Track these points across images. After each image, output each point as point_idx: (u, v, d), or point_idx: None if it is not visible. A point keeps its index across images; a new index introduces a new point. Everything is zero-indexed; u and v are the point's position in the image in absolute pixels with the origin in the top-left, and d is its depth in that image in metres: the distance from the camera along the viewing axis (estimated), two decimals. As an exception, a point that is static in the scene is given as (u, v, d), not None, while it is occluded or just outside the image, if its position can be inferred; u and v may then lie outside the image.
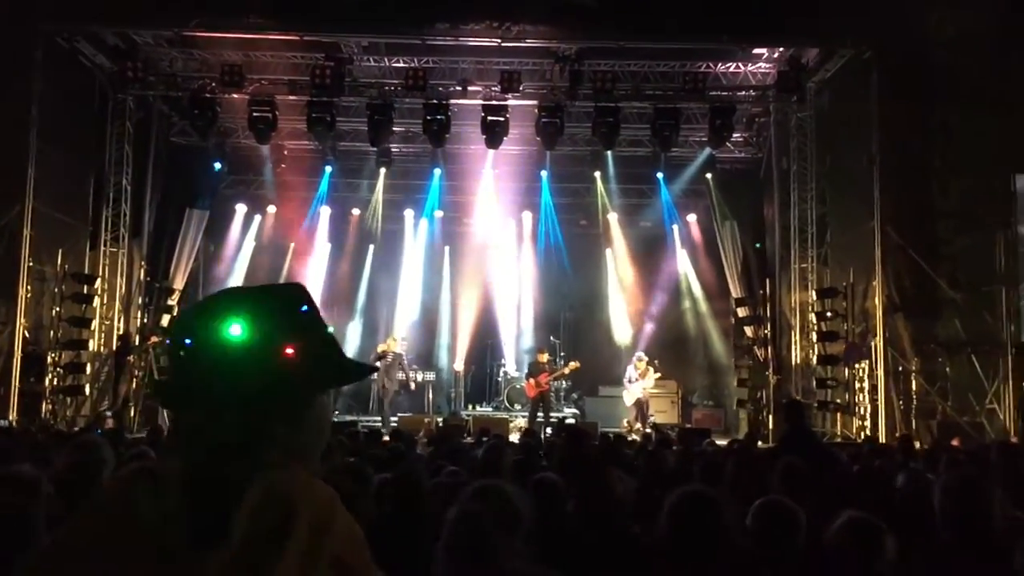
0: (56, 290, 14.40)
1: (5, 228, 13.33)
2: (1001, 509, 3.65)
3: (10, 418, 12.81)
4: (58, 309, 14.40)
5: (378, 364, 16.33)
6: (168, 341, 1.60)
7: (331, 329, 1.68)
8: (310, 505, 1.45)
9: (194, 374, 1.51)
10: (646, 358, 16.81)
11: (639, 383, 16.41)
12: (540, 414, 16.17)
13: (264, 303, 1.58)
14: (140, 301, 16.20)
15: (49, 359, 14.22)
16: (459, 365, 18.87)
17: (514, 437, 13.23)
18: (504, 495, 3.25)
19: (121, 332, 15.68)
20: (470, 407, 18.41)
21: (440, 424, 14.47)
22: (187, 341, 1.53)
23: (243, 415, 1.49)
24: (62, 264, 14.37)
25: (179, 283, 16.89)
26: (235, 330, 1.51)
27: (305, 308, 1.61)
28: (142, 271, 16.26)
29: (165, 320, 16.12)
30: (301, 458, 1.55)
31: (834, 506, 3.46)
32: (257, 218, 19.27)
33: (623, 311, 19.88)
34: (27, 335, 13.75)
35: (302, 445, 1.56)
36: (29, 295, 13.78)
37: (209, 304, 1.59)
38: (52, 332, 14.40)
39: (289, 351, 1.53)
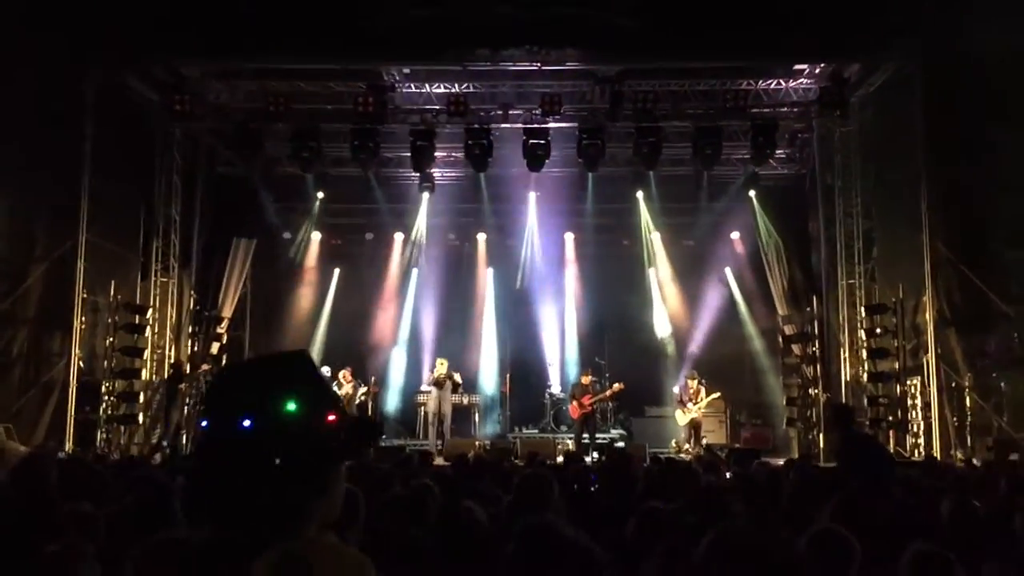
0: (109, 320, 14.69)
1: (59, 260, 13.64)
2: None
3: (67, 447, 13.06)
4: (111, 339, 14.69)
5: (432, 389, 16.53)
6: (205, 424, 1.61)
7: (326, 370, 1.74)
8: (333, 571, 1.46)
9: (254, 451, 1.53)
10: (697, 377, 16.68)
11: (694, 404, 16.24)
12: (586, 435, 16.11)
13: (299, 374, 1.62)
14: (190, 330, 16.52)
15: (103, 388, 14.49)
16: (504, 387, 18.88)
17: (561, 459, 13.22)
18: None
19: (173, 361, 15.95)
20: (516, 429, 18.40)
21: (487, 448, 14.48)
22: (245, 423, 1.54)
23: (289, 486, 1.52)
24: (115, 295, 14.67)
25: (228, 311, 17.19)
26: (291, 406, 1.55)
27: (319, 374, 1.66)
28: (192, 300, 16.57)
29: (215, 348, 16.37)
30: (332, 509, 1.58)
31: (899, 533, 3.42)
32: (303, 245, 19.48)
33: (668, 330, 19.78)
34: (81, 365, 14.02)
35: (329, 510, 1.60)
36: (83, 326, 14.06)
37: (252, 381, 1.62)
38: (106, 362, 14.68)
39: (332, 418, 1.59)
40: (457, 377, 17.20)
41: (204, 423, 1.61)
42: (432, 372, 17.16)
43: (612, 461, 8.11)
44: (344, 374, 17.08)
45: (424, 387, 18.16)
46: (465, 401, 17.79)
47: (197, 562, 1.53)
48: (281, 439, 1.53)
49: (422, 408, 18.14)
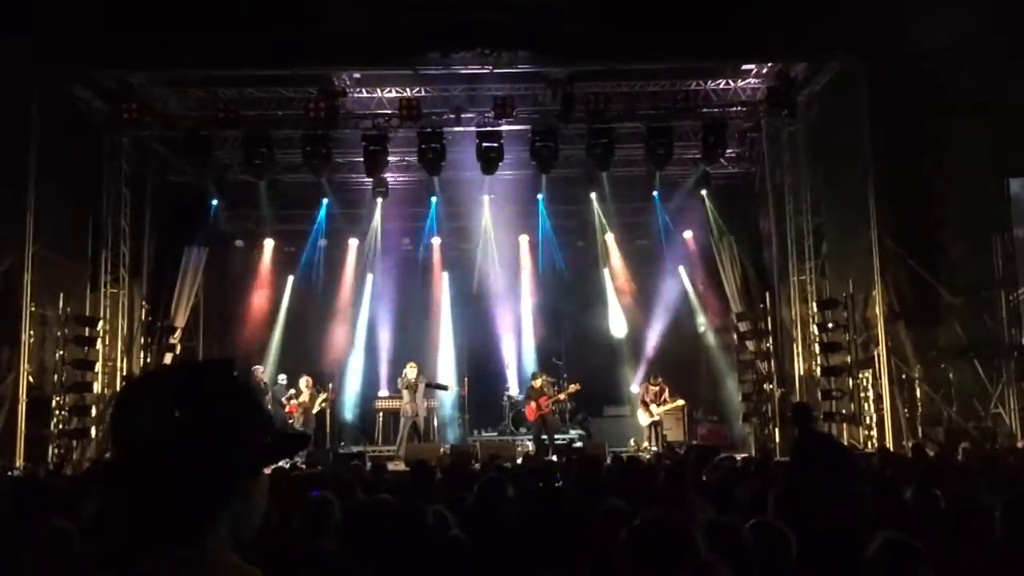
0: (59, 333, 14.42)
1: (5, 273, 13.36)
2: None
3: (16, 464, 12.79)
4: (61, 352, 14.42)
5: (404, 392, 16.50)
6: (114, 430, 1.59)
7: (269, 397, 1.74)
8: None
9: (148, 457, 1.52)
10: (660, 379, 16.81)
11: (658, 406, 16.35)
12: (544, 436, 16.15)
13: (210, 382, 1.61)
14: (143, 341, 16.23)
15: (53, 402, 14.21)
16: (463, 390, 18.85)
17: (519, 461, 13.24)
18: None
19: (125, 373, 15.68)
20: (476, 432, 18.39)
21: (447, 452, 14.45)
22: (144, 431, 1.53)
23: (198, 494, 1.51)
24: (64, 307, 14.40)
25: (181, 321, 16.95)
26: (193, 415, 1.53)
27: (242, 384, 1.65)
28: (144, 311, 16.30)
29: (168, 359, 16.13)
30: (244, 527, 1.58)
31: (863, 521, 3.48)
32: (256, 253, 19.27)
33: (624, 331, 19.90)
34: (31, 380, 13.74)
35: (247, 515, 1.59)
36: (32, 339, 13.78)
37: (152, 390, 1.61)
38: (56, 376, 14.40)
39: (242, 429, 1.57)
40: (412, 375, 17.10)
41: (111, 433, 1.61)
42: (402, 376, 17.07)
43: (581, 463, 8.12)
44: (306, 380, 16.94)
45: (383, 392, 18.08)
46: (427, 406, 17.69)
47: (80, 563, 1.53)
48: (182, 449, 1.51)
49: (380, 414, 18.08)
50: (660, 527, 2.82)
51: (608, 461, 10.37)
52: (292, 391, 16.83)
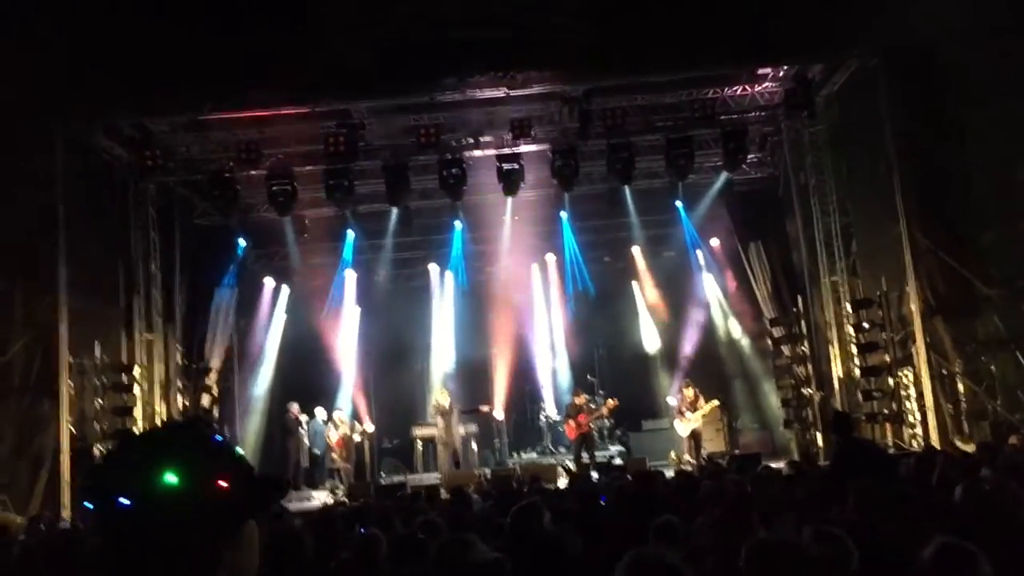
0: (97, 382, 14.56)
1: (41, 326, 13.51)
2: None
3: (63, 517, 12.85)
4: (100, 401, 14.55)
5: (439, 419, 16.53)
6: (89, 504, 1.63)
7: (240, 451, 1.75)
8: None
9: (137, 526, 1.55)
10: (693, 385, 16.69)
11: (693, 413, 16.23)
12: (585, 455, 16.07)
13: (181, 444, 1.63)
14: (180, 384, 16.35)
15: (96, 451, 14.32)
16: (499, 414, 18.81)
17: (562, 482, 13.18)
18: None
19: (165, 417, 15.80)
20: (515, 455, 18.34)
21: (488, 477, 14.40)
22: (123, 501, 1.56)
23: (190, 553, 1.54)
24: (100, 355, 14.54)
25: (216, 363, 17.09)
26: (170, 479, 1.56)
27: (219, 439, 1.70)
28: (179, 354, 16.43)
29: (206, 400, 16.25)
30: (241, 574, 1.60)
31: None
32: (285, 289, 19.40)
33: (657, 343, 19.82)
34: (72, 430, 13.84)
35: (241, 563, 1.62)
36: (72, 391, 13.91)
37: (129, 458, 1.63)
38: (97, 424, 14.52)
39: (223, 484, 1.60)
40: (446, 401, 17.14)
41: (88, 504, 1.62)
42: (434, 404, 17.11)
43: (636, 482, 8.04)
44: (338, 414, 17.03)
45: (428, 419, 18.14)
46: (463, 431, 17.69)
47: None
48: (163, 513, 1.54)
49: (418, 442, 18.08)
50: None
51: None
52: (328, 426, 16.92)
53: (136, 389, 15.31)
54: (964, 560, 3.00)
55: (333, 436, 16.76)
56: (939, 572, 3.03)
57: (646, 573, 2.66)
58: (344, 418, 17.09)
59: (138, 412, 15.33)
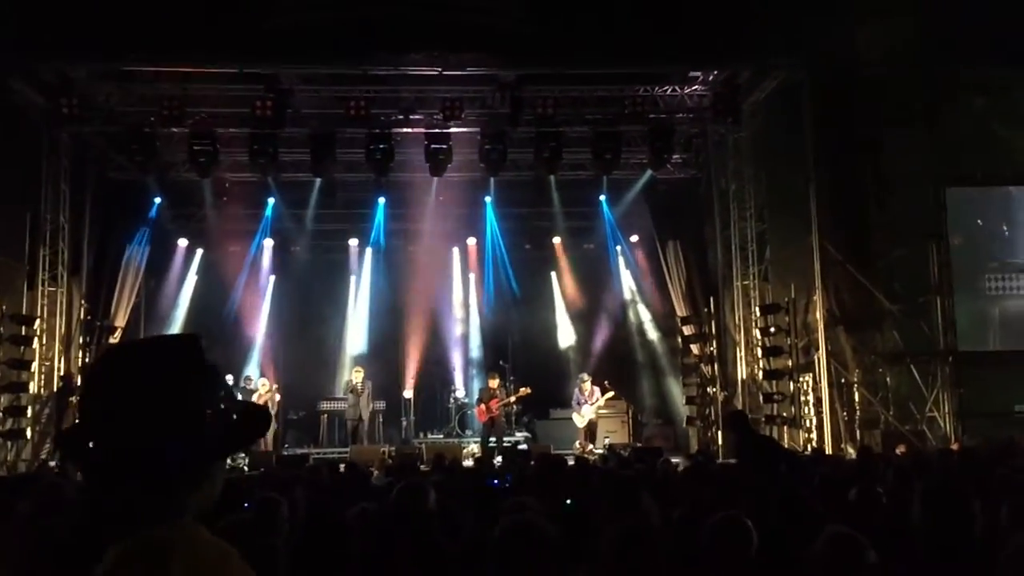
0: (-6, 332, 14.06)
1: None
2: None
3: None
4: (-7, 350, 14.06)
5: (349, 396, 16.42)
6: (80, 399, 1.57)
7: (229, 379, 1.70)
8: (187, 560, 1.45)
9: (113, 432, 1.49)
10: (590, 379, 16.91)
11: (590, 405, 16.49)
12: (492, 439, 16.18)
13: (175, 363, 1.57)
14: (81, 340, 15.86)
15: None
16: (408, 393, 18.79)
17: (467, 463, 13.23)
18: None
19: (63, 373, 15.35)
20: (422, 435, 18.34)
21: (392, 454, 14.39)
22: (112, 406, 1.50)
23: (172, 472, 1.49)
24: (0, 305, 14.04)
25: (121, 321, 16.63)
26: (164, 392, 1.50)
27: (210, 362, 1.62)
28: (82, 310, 15.94)
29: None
30: (207, 502, 1.57)
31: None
32: (199, 252, 18.99)
33: (570, 333, 20.03)
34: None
35: (209, 495, 1.58)
36: (-34, 339, 13.42)
37: (122, 361, 1.58)
38: (-10, 375, 14.04)
39: (209, 411, 1.55)
40: (360, 379, 17.08)
41: (74, 426, 1.56)
42: (349, 380, 17.02)
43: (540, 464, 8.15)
44: (263, 380, 16.86)
45: (339, 395, 17.99)
46: (370, 409, 17.60)
47: (58, 547, 1.52)
48: (148, 435, 1.48)
49: (324, 416, 17.96)
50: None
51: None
52: (253, 386, 16.72)
53: (35, 343, 14.84)
54: (852, 547, 3.16)
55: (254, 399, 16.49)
56: (829, 558, 3.18)
57: (516, 533, 2.80)
58: (265, 383, 16.83)
59: (35, 366, 14.86)
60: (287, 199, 18.39)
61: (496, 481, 7.29)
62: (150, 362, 1.56)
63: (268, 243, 19.21)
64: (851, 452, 12.97)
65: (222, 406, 1.56)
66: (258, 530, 3.86)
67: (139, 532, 1.45)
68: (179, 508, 1.51)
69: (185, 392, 1.52)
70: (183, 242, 18.73)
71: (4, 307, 14.16)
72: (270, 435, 16.44)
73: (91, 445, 1.50)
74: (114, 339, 16.21)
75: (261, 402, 16.28)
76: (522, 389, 17.01)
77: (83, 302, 15.99)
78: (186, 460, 1.51)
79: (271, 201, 18.31)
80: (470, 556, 3.95)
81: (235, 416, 1.59)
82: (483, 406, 16.38)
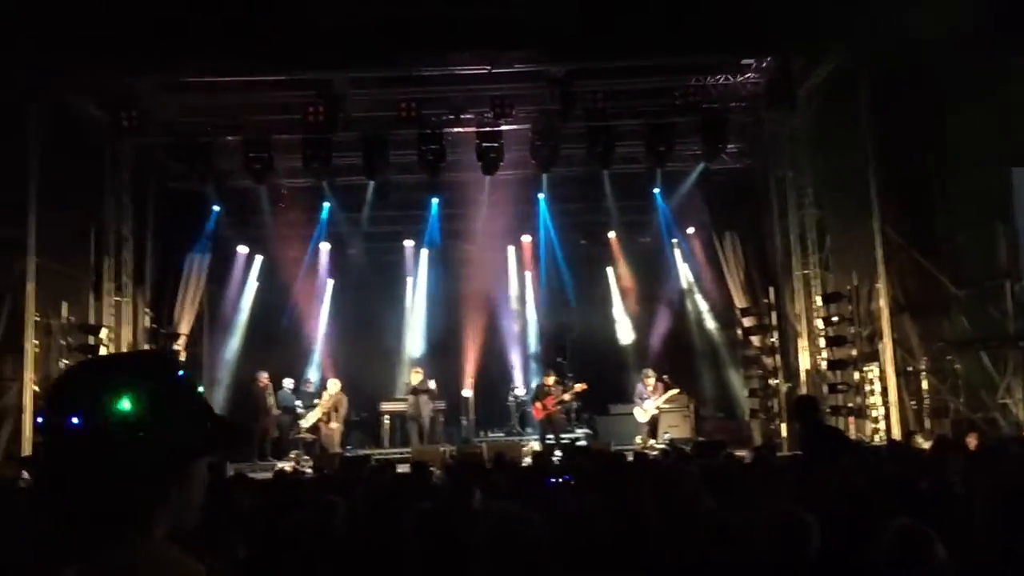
0: (63, 342, 14.41)
1: (9, 284, 13.36)
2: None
3: (24, 475, 12.75)
4: (66, 361, 14.39)
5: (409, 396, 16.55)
6: (41, 421, 1.56)
7: (202, 390, 1.68)
8: None
9: (85, 450, 1.48)
10: (654, 374, 16.78)
11: (652, 400, 16.37)
12: (551, 436, 16.15)
13: (144, 372, 1.57)
14: (147, 348, 16.21)
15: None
16: (468, 392, 18.85)
17: (527, 461, 13.21)
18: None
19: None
20: (482, 433, 18.39)
21: (453, 454, 14.43)
22: (74, 420, 1.48)
23: (133, 485, 1.47)
24: (67, 315, 14.40)
25: (184, 328, 16.97)
26: (125, 404, 1.49)
27: (182, 374, 1.61)
28: (147, 318, 16.30)
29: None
30: (184, 515, 1.55)
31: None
32: (259, 258, 19.28)
33: (628, 328, 19.90)
34: (36, 390, 13.71)
35: (185, 507, 1.56)
36: (37, 349, 13.77)
37: (87, 379, 1.57)
38: (61, 385, 14.35)
39: (179, 420, 1.54)
40: (431, 384, 17.25)
41: (39, 420, 1.56)
42: (408, 381, 17.17)
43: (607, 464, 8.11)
44: (334, 382, 17.08)
45: (398, 395, 18.14)
46: (431, 408, 17.70)
47: (12, 565, 1.49)
48: (113, 439, 1.46)
49: (385, 417, 18.10)
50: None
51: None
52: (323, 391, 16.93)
53: (102, 351, 15.18)
54: (920, 541, 3.06)
55: (311, 417, 16.70)
56: (895, 553, 3.09)
57: (505, 527, 2.84)
58: (336, 383, 17.05)
59: (104, 374, 15.19)
60: (342, 202, 18.57)
61: (553, 480, 7.24)
62: (107, 375, 1.57)
63: (324, 247, 19.44)
64: (921, 442, 12.66)
65: (188, 416, 1.55)
66: (314, 532, 3.88)
67: (96, 554, 1.42)
68: (144, 524, 1.48)
69: (141, 405, 1.50)
70: (243, 249, 19.04)
71: (72, 317, 14.51)
72: (336, 436, 16.67)
73: (45, 458, 1.50)
74: (178, 345, 16.55)
75: (329, 404, 16.51)
76: (577, 385, 16.95)
77: (148, 310, 16.35)
78: (145, 472, 1.49)
79: (326, 205, 18.51)
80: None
81: (206, 426, 1.58)
82: (539, 404, 16.36)
